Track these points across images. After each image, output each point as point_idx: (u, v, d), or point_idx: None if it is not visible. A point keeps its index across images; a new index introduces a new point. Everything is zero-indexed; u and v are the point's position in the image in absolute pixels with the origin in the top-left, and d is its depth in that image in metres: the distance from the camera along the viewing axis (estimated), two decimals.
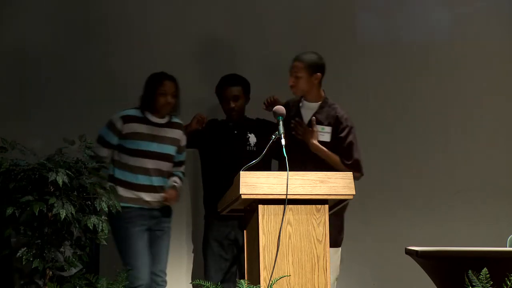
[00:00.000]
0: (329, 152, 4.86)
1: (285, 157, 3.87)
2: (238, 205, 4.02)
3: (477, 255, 3.96)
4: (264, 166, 4.62)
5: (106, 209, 4.31)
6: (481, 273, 3.68)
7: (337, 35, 5.86)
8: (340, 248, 4.94)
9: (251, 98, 5.37)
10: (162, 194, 5.05)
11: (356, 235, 5.38)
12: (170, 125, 5.13)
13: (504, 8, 6.03)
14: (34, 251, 4.21)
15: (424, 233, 5.67)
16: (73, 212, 4.19)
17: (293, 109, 5.03)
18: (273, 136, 4.03)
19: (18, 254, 4.21)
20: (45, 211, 4.18)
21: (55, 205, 4.15)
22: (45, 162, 4.23)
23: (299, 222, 3.84)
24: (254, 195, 3.80)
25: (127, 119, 5.02)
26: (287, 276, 3.78)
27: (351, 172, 3.96)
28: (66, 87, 5.72)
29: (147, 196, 5.00)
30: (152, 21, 5.84)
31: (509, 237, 4.52)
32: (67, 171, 4.20)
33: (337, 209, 4.09)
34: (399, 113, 5.90)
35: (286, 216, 3.82)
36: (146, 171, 5.00)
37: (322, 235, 3.85)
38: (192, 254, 5.71)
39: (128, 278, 4.82)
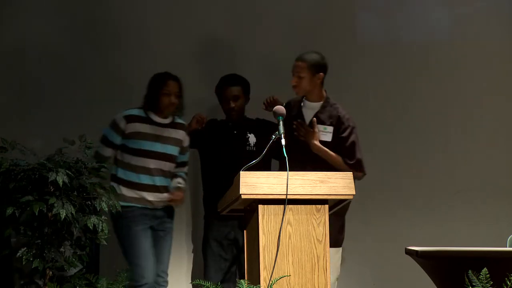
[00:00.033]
0: (331, 153, 4.87)
1: (285, 157, 3.88)
2: (238, 205, 4.02)
3: (477, 255, 3.96)
4: (264, 166, 4.63)
5: (106, 209, 4.31)
6: (481, 273, 3.68)
7: (337, 35, 5.87)
8: (341, 248, 4.94)
9: (251, 98, 5.37)
10: (166, 195, 5.05)
11: (356, 235, 5.38)
12: (173, 125, 5.12)
13: (504, 8, 6.03)
14: (34, 251, 4.21)
15: (424, 233, 5.67)
16: (73, 212, 4.19)
17: (295, 109, 5.03)
18: (273, 136, 4.04)
19: (18, 254, 4.20)
20: (45, 211, 4.18)
21: (55, 205, 4.15)
22: (45, 162, 4.23)
23: (299, 222, 3.84)
24: (254, 195, 3.80)
25: (130, 119, 5.02)
26: (287, 276, 3.78)
27: (351, 172, 3.96)
28: (66, 87, 5.73)
29: (149, 196, 5.00)
30: (152, 21, 5.84)
31: (509, 237, 4.52)
32: (67, 171, 4.20)
33: (337, 209, 4.09)
34: (399, 113, 5.90)
35: (286, 216, 3.82)
36: (148, 171, 4.99)
37: (322, 235, 3.85)
38: (192, 254, 5.72)
39: (133, 277, 4.84)
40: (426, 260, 4.08)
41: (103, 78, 5.74)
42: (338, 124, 4.91)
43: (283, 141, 4.00)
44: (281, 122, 4.09)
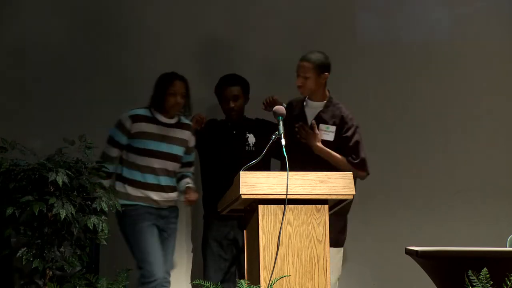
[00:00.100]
0: (333, 153, 4.87)
1: (285, 157, 3.88)
2: (238, 205, 4.02)
3: (477, 255, 3.96)
4: (264, 166, 4.63)
5: (106, 209, 4.31)
6: (481, 273, 3.68)
7: (337, 35, 5.87)
8: (342, 248, 4.95)
9: (250, 98, 5.37)
10: (171, 194, 5.05)
11: (356, 235, 5.38)
12: (179, 125, 5.12)
13: (504, 8, 6.03)
14: (34, 251, 4.21)
15: (424, 233, 5.67)
16: (73, 212, 4.19)
17: (297, 108, 5.04)
18: (273, 136, 4.04)
19: (18, 254, 4.20)
20: (45, 211, 4.18)
21: (55, 205, 4.15)
22: (45, 162, 4.23)
23: (299, 222, 3.84)
24: (254, 195, 3.80)
25: (136, 119, 5.02)
26: (287, 276, 3.78)
27: (351, 172, 3.96)
28: (66, 87, 5.72)
29: (155, 195, 5.00)
30: (152, 21, 5.84)
31: (509, 237, 4.52)
32: (67, 171, 4.20)
33: (337, 209, 4.09)
34: (399, 113, 5.90)
35: (286, 216, 3.82)
36: (153, 171, 4.99)
37: (322, 235, 3.85)
38: (192, 254, 5.71)
39: (142, 274, 4.83)
40: (426, 260, 4.08)
41: (103, 78, 5.75)
42: (342, 124, 4.92)
43: (283, 141, 4.00)
44: (281, 122, 4.09)
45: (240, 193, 3.78)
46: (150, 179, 4.99)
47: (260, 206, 3.82)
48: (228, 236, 5.27)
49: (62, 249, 4.30)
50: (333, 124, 4.93)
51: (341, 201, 4.00)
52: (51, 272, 4.26)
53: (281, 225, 3.81)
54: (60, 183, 4.14)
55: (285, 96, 5.18)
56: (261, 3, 5.93)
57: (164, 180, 5.03)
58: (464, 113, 5.93)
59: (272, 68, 5.78)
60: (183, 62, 5.61)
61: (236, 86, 5.31)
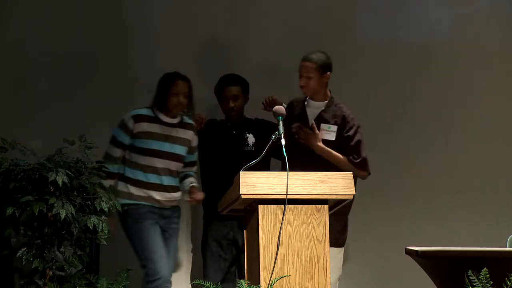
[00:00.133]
0: (334, 153, 4.87)
1: (285, 157, 3.88)
2: (238, 205, 4.02)
3: (477, 255, 3.96)
4: (263, 166, 4.63)
5: (106, 209, 4.31)
6: (481, 273, 3.68)
7: (337, 35, 5.86)
8: (343, 248, 4.95)
9: (250, 98, 5.37)
10: (174, 194, 5.05)
11: (356, 235, 5.38)
12: (181, 125, 5.12)
13: (504, 8, 6.03)
14: (34, 251, 4.21)
15: (424, 233, 5.67)
16: (73, 212, 4.19)
17: (298, 108, 5.04)
18: (273, 136, 4.04)
19: (18, 254, 4.20)
20: (45, 211, 4.18)
21: (55, 205, 4.15)
22: (45, 162, 4.23)
23: (299, 222, 3.84)
24: (254, 195, 3.80)
25: (138, 119, 5.01)
26: (287, 276, 3.78)
27: (351, 172, 3.96)
28: (66, 87, 5.72)
29: (157, 195, 5.00)
30: (152, 21, 5.84)
31: (509, 237, 4.52)
32: (67, 171, 4.20)
33: (337, 209, 4.09)
34: (399, 113, 5.90)
35: (286, 216, 3.82)
36: (155, 171, 4.99)
37: (322, 235, 3.85)
38: (191, 254, 5.71)
39: (146, 273, 4.83)
40: (426, 260, 4.08)
41: (103, 78, 5.75)
42: (343, 124, 4.92)
43: (283, 141, 4.00)
44: (281, 122, 4.09)
45: (240, 193, 3.78)
46: (153, 179, 4.99)
47: (260, 206, 3.82)
48: (227, 236, 5.27)
49: (62, 249, 4.30)
50: (334, 124, 4.93)
51: (341, 201, 4.00)
52: (51, 272, 4.26)
53: (281, 225, 3.81)
54: (60, 183, 4.14)
55: (285, 96, 5.18)
56: (261, 3, 5.93)
57: (167, 180, 5.03)
58: (464, 113, 5.93)
59: (272, 68, 5.78)
60: (183, 62, 5.60)
61: (236, 86, 5.31)
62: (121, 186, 4.98)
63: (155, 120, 5.04)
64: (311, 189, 3.84)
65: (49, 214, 4.20)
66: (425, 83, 5.92)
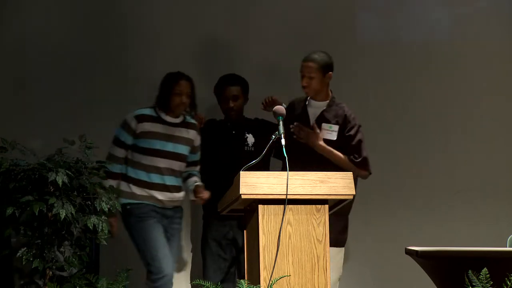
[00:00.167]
0: (335, 152, 4.88)
1: (285, 157, 3.88)
2: (238, 205, 4.02)
3: (477, 255, 3.96)
4: (263, 166, 4.63)
5: (106, 209, 4.31)
6: (481, 273, 3.68)
7: (337, 35, 5.86)
8: (343, 248, 4.96)
9: (250, 98, 5.37)
10: (176, 194, 5.04)
11: (356, 235, 5.38)
12: (184, 125, 5.12)
13: (504, 8, 6.03)
14: (34, 251, 4.21)
15: (424, 233, 5.67)
16: (73, 212, 4.20)
17: (299, 108, 5.05)
18: (273, 136, 4.04)
19: (18, 254, 4.21)
20: (45, 211, 4.18)
21: (55, 205, 4.15)
22: (45, 162, 4.23)
23: (299, 222, 3.84)
24: (254, 195, 3.80)
25: (141, 119, 5.01)
26: (287, 276, 3.78)
27: (351, 172, 3.96)
28: (66, 87, 5.72)
29: (159, 195, 4.99)
30: (152, 21, 5.84)
31: (509, 237, 4.52)
32: (67, 171, 4.20)
33: (337, 209, 4.09)
34: (399, 113, 5.90)
35: (286, 216, 3.82)
36: (158, 170, 4.99)
37: (322, 235, 3.85)
38: (191, 254, 5.71)
39: (151, 271, 4.82)
40: (426, 260, 4.08)
41: (103, 78, 5.75)
42: (345, 123, 4.93)
43: (283, 141, 4.00)
44: (281, 122, 4.10)
45: (240, 193, 3.78)
46: (155, 178, 4.99)
47: (260, 206, 3.82)
48: (227, 236, 5.27)
49: (62, 249, 4.30)
50: (336, 124, 4.94)
51: (341, 201, 4.00)
52: (51, 272, 4.26)
53: (281, 225, 3.81)
54: (60, 183, 4.14)
55: (285, 96, 5.18)
56: (261, 3, 5.93)
57: (169, 180, 5.03)
58: (464, 113, 5.93)
59: (272, 68, 5.78)
60: (183, 62, 5.60)
61: (235, 86, 5.31)
62: (123, 186, 4.98)
63: (157, 120, 5.04)
64: (311, 189, 3.84)
65: (49, 214, 4.21)
66: (425, 83, 5.92)
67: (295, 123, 4.94)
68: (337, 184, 3.87)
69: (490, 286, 3.66)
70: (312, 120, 4.97)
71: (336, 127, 4.93)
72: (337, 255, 4.87)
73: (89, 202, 4.34)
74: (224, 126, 5.36)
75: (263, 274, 3.77)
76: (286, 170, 3.82)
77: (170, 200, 5.03)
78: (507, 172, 5.87)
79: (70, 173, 4.22)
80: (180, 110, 5.05)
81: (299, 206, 3.84)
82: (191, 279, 5.66)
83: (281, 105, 4.84)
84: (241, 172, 3.83)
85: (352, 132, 4.93)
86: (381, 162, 5.48)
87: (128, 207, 4.93)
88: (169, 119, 5.06)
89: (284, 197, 3.80)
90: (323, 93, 4.99)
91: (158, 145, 5.00)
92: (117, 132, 5.04)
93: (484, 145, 5.89)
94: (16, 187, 4.21)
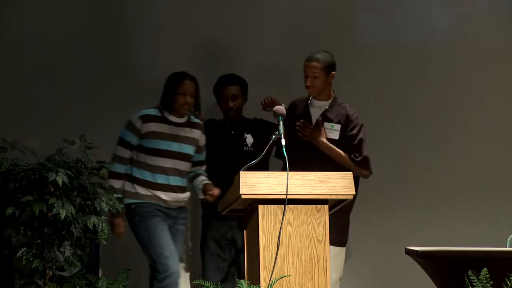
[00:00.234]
0: (338, 150, 4.89)
1: (285, 157, 3.88)
2: (238, 205, 4.02)
3: (477, 255, 3.96)
4: (263, 166, 4.63)
5: (106, 209, 4.32)
6: (481, 273, 3.68)
7: (337, 35, 5.86)
8: (345, 248, 4.96)
9: (249, 98, 5.37)
10: (181, 195, 5.03)
11: (356, 235, 5.38)
12: (189, 124, 5.12)
13: (504, 8, 6.03)
14: (34, 251, 4.21)
15: (424, 233, 5.67)
16: (73, 212, 4.20)
17: (301, 108, 5.05)
18: (273, 136, 4.04)
19: (18, 254, 4.21)
20: (45, 211, 4.18)
21: (55, 205, 4.15)
22: (45, 162, 4.23)
23: (299, 222, 3.84)
24: (254, 195, 3.80)
25: (146, 119, 5.01)
26: (287, 276, 3.78)
27: (351, 172, 3.96)
28: (66, 87, 5.72)
29: (164, 195, 4.99)
30: (152, 21, 5.84)
31: (509, 237, 4.52)
32: (67, 171, 4.20)
33: (337, 208, 4.09)
34: (399, 113, 5.90)
35: (286, 216, 3.82)
36: (164, 171, 4.98)
37: (322, 235, 3.85)
38: (191, 254, 5.71)
39: (157, 270, 4.81)
40: (426, 260, 4.08)
41: (103, 78, 5.75)
42: (347, 122, 4.94)
43: (283, 141, 4.00)
44: (281, 122, 4.10)
45: (240, 193, 3.78)
46: (160, 179, 4.98)
47: (260, 206, 3.82)
48: (226, 236, 5.27)
49: (62, 249, 4.30)
50: (338, 123, 4.95)
51: (341, 201, 4.00)
52: (51, 272, 4.26)
53: (281, 225, 3.81)
54: (60, 183, 4.14)
55: (285, 96, 5.17)
56: (261, 3, 5.93)
57: (174, 180, 5.02)
58: (464, 113, 5.93)
59: (272, 68, 5.78)
60: (183, 62, 5.60)
61: (235, 86, 5.31)
62: (128, 186, 4.98)
63: (162, 120, 5.04)
64: (311, 189, 3.84)
65: (49, 214, 4.21)
66: (425, 83, 5.92)
67: (302, 120, 4.95)
68: (337, 184, 3.87)
69: (490, 286, 3.66)
70: (314, 120, 4.98)
71: (338, 127, 4.95)
72: (339, 255, 4.88)
73: (89, 202, 4.35)
74: (223, 126, 5.36)
75: (263, 274, 3.77)
76: (286, 170, 3.82)
77: (174, 200, 5.02)
78: (507, 172, 5.87)
79: (70, 173, 4.22)
80: (184, 110, 5.05)
81: (299, 206, 3.84)
82: (191, 279, 5.66)
83: (280, 105, 4.84)
84: (241, 172, 3.83)
85: (354, 132, 4.94)
86: (381, 162, 5.48)
87: (133, 206, 4.94)
88: (173, 119, 5.06)
89: (284, 197, 3.80)
90: (326, 92, 5.01)
91: (163, 145, 4.99)
92: (122, 133, 5.03)
93: (484, 145, 5.89)
94: (16, 187, 4.22)
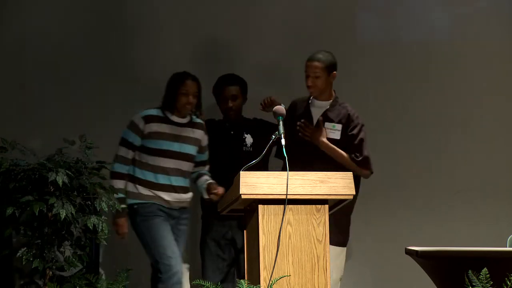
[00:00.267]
0: (339, 150, 4.89)
1: (285, 157, 3.88)
2: (238, 205, 4.02)
3: (477, 255, 3.96)
4: (262, 166, 4.63)
5: (106, 209, 4.32)
6: (481, 273, 3.68)
7: (337, 35, 5.86)
8: (345, 248, 4.96)
9: (249, 98, 5.37)
10: (183, 195, 5.03)
11: (356, 235, 5.37)
12: (191, 125, 5.11)
13: (504, 8, 6.03)
14: (34, 251, 4.21)
15: (424, 233, 5.67)
16: (73, 212, 4.20)
17: (301, 108, 5.05)
18: (273, 136, 4.04)
19: (18, 254, 4.21)
20: (45, 211, 4.18)
21: (55, 205, 4.15)
22: (45, 162, 4.23)
23: (299, 222, 3.84)
24: (254, 195, 3.80)
25: (148, 119, 5.00)
26: (287, 276, 3.78)
27: (351, 172, 3.96)
28: (66, 87, 5.72)
29: (166, 196, 4.98)
30: (152, 21, 5.84)
31: (509, 237, 4.52)
32: (67, 171, 4.20)
33: (337, 208, 4.09)
34: (399, 113, 5.90)
35: (286, 216, 3.82)
36: (166, 171, 4.98)
37: (322, 235, 3.85)
38: (190, 254, 5.71)
39: (159, 270, 4.81)
40: (426, 260, 4.08)
41: (103, 78, 5.75)
42: (348, 122, 4.95)
43: (283, 141, 4.00)
44: (281, 122, 4.10)
45: (240, 193, 3.78)
46: (162, 179, 4.98)
47: (260, 206, 3.82)
48: (226, 236, 5.27)
49: (62, 249, 4.30)
50: (339, 123, 4.95)
51: (341, 201, 4.00)
52: (51, 272, 4.26)
53: (281, 225, 3.81)
54: (60, 183, 4.14)
55: (285, 96, 5.18)
56: (261, 3, 5.93)
57: (176, 181, 5.01)
58: (464, 113, 5.93)
59: (272, 68, 5.78)
60: (183, 62, 5.60)
61: (234, 86, 5.31)
62: (130, 187, 4.98)
63: (165, 120, 5.04)
64: (311, 189, 3.84)
65: (49, 214, 4.21)
66: (425, 83, 5.92)
67: (303, 120, 4.95)
68: (337, 184, 3.87)
69: (490, 286, 3.66)
70: (315, 120, 4.98)
71: (339, 126, 4.95)
72: (340, 255, 4.88)
73: (89, 202, 4.35)
74: (222, 126, 5.36)
75: (263, 274, 3.77)
76: (286, 170, 3.82)
77: (176, 201, 5.02)
78: (507, 172, 5.87)
79: (70, 173, 4.22)
80: (186, 110, 5.04)
81: (299, 206, 3.84)
82: (191, 279, 5.66)
83: (279, 105, 4.84)
84: (241, 172, 3.83)
85: (355, 131, 4.94)
86: (381, 162, 5.48)
87: (135, 206, 4.94)
88: (176, 119, 5.06)
89: (284, 197, 3.80)
90: (327, 92, 5.01)
91: (165, 145, 4.99)
92: (124, 133, 5.02)
93: (484, 145, 5.89)
94: (16, 187, 4.22)
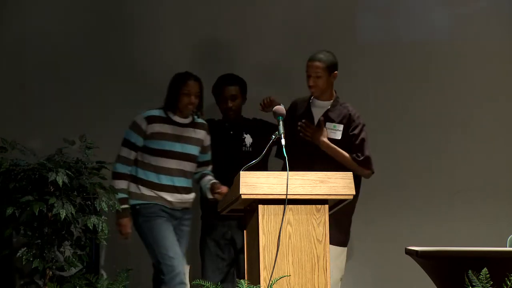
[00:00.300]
0: (340, 150, 4.89)
1: (285, 157, 3.88)
2: (238, 205, 4.02)
3: (477, 255, 3.96)
4: (262, 166, 4.63)
5: (106, 209, 4.32)
6: (481, 273, 3.68)
7: (337, 35, 5.86)
8: (346, 248, 4.96)
9: (249, 98, 5.37)
10: (186, 196, 5.02)
11: (356, 235, 5.38)
12: (193, 125, 5.11)
13: (504, 8, 6.03)
14: (34, 251, 4.22)
15: (424, 233, 5.67)
16: (73, 212, 4.20)
17: (302, 108, 5.05)
18: (273, 136, 4.04)
19: (18, 254, 4.21)
20: (45, 211, 4.18)
21: (55, 205, 4.15)
22: (45, 162, 4.24)
23: (299, 222, 3.84)
24: (254, 195, 3.80)
25: (151, 120, 5.00)
26: (287, 276, 3.78)
27: (351, 172, 3.96)
28: (66, 87, 5.72)
29: (168, 196, 4.98)
30: (152, 21, 5.84)
31: (509, 237, 4.52)
32: (67, 171, 4.20)
33: (337, 208, 4.09)
34: (399, 113, 5.90)
35: (286, 216, 3.82)
36: (168, 172, 4.97)
37: (322, 235, 3.85)
38: (190, 254, 5.71)
39: (162, 271, 4.81)
40: (426, 260, 4.08)
41: (103, 78, 5.75)
42: (349, 122, 4.95)
43: (283, 141, 4.00)
44: (281, 122, 4.10)
45: (240, 193, 3.78)
46: (165, 180, 4.97)
47: (260, 206, 3.82)
48: (225, 236, 5.27)
49: (62, 249, 4.30)
50: (340, 123, 4.96)
51: (341, 201, 4.00)
52: (51, 272, 4.27)
53: (281, 225, 3.81)
54: (60, 183, 4.14)
55: (285, 96, 5.18)
56: (261, 3, 5.93)
57: (179, 181, 5.01)
58: (464, 113, 5.93)
59: (272, 68, 5.78)
60: (183, 62, 5.60)
61: (234, 86, 5.30)
62: (133, 188, 4.97)
63: (167, 120, 5.03)
64: (311, 189, 3.84)
65: (49, 214, 4.21)
66: (425, 83, 5.92)
67: (304, 120, 4.95)
68: (337, 184, 3.87)
69: (490, 286, 3.66)
70: (316, 120, 4.98)
71: (340, 127, 4.95)
72: (340, 255, 4.88)
73: (89, 202, 4.35)
74: (222, 126, 5.36)
75: (263, 274, 3.77)
76: (286, 170, 3.82)
77: (179, 201, 5.01)
78: (507, 172, 5.86)
79: (70, 173, 4.22)
80: (188, 110, 5.04)
81: (299, 206, 3.84)
82: (191, 279, 5.65)
83: (279, 105, 4.84)
84: (241, 172, 3.83)
85: (356, 131, 4.95)
86: (381, 162, 5.47)
87: (137, 207, 4.94)
88: (178, 119, 5.06)
89: (284, 197, 3.80)
90: (328, 92, 5.01)
91: (167, 145, 4.99)
92: (126, 134, 5.02)
93: (484, 145, 5.89)
94: (16, 187, 4.22)
